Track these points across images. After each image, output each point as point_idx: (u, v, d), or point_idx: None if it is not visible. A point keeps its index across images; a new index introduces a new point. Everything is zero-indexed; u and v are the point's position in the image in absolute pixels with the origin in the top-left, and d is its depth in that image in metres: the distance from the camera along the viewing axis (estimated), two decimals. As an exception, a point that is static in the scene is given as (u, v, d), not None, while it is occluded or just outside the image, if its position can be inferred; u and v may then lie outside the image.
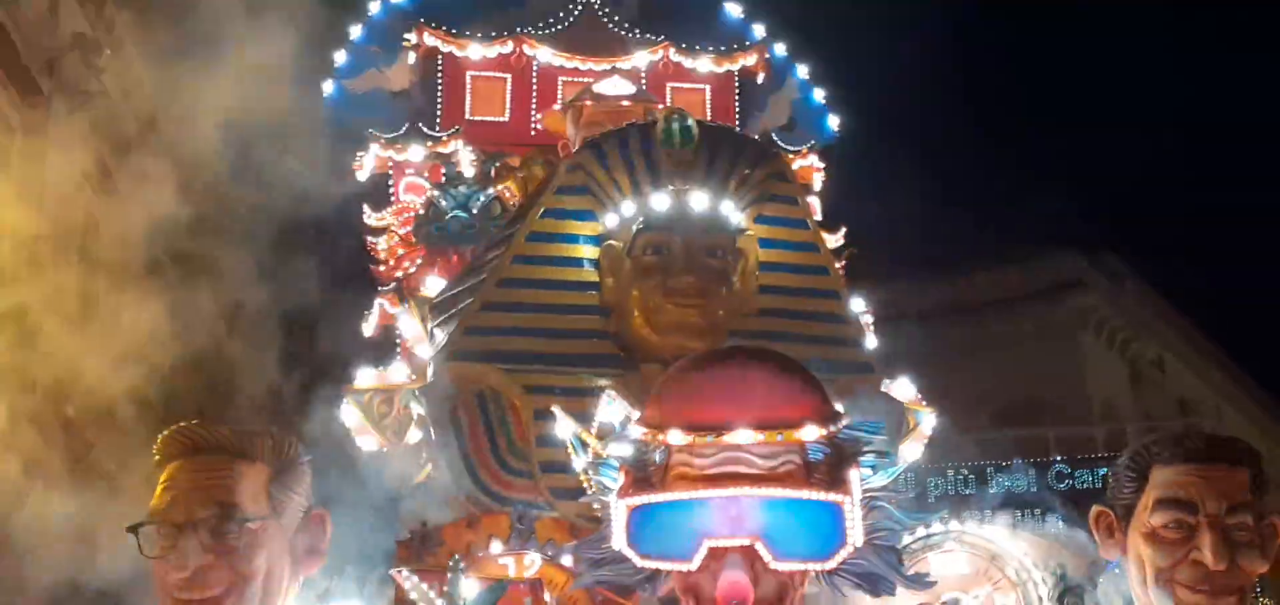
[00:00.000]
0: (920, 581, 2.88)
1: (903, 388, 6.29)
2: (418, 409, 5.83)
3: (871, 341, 6.25)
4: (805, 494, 2.57)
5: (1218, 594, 3.50)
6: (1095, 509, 3.89)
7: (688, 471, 2.59)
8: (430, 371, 5.80)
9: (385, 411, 6.30)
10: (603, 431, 4.60)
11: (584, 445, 4.65)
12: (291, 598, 3.73)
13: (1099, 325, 28.16)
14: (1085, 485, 19.87)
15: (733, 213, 5.78)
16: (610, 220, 5.77)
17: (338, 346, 6.92)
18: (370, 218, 7.90)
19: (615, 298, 5.67)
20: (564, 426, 5.09)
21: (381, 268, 7.65)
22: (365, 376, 6.43)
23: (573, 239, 5.81)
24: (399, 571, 4.36)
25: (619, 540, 2.58)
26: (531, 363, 5.61)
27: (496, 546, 4.90)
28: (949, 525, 4.71)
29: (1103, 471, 19.09)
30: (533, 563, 4.79)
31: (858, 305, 6.33)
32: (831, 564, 2.60)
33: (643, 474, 2.66)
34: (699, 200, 5.72)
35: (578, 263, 5.78)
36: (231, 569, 3.50)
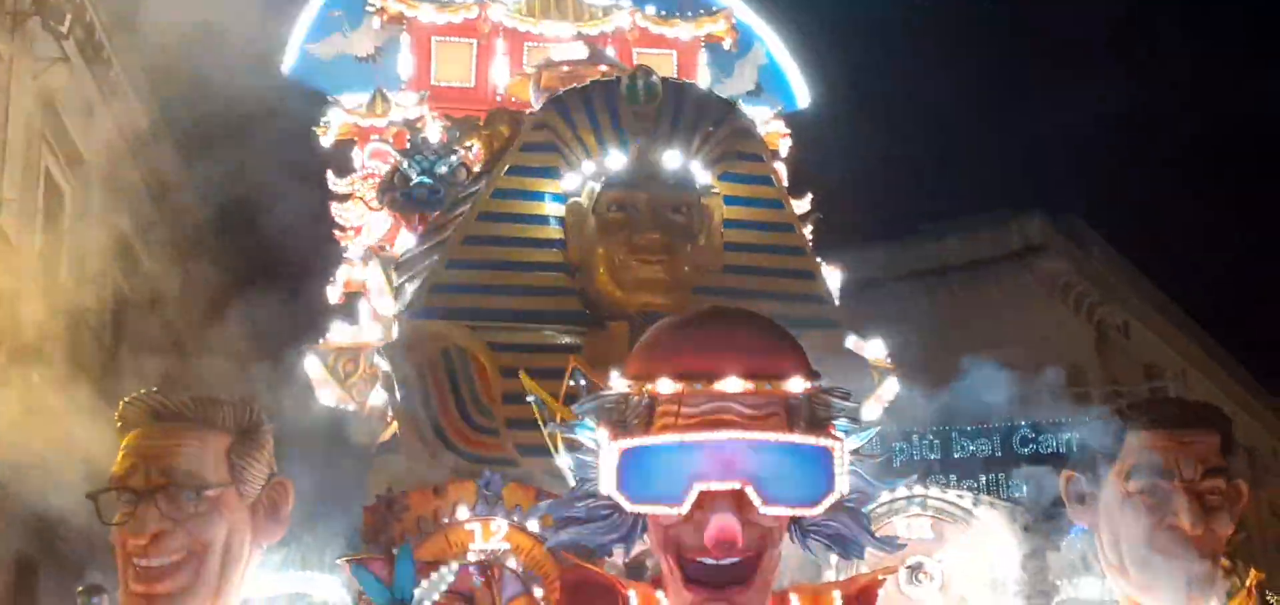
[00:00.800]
0: (890, 545, 2.91)
1: (868, 346, 6.32)
2: (383, 367, 5.84)
3: (836, 299, 6.28)
4: (797, 439, 2.60)
5: (1192, 558, 3.52)
6: (1065, 473, 3.91)
7: (674, 422, 2.60)
8: (395, 329, 5.81)
9: (350, 370, 6.33)
10: (569, 397, 4.62)
11: (549, 410, 4.66)
12: (254, 564, 3.72)
13: (1065, 290, 28.27)
14: (1050, 449, 19.97)
15: (697, 170, 5.79)
16: (575, 177, 5.79)
17: (302, 313, 6.89)
18: (334, 184, 7.86)
19: (580, 255, 5.68)
20: (530, 393, 5.11)
21: (346, 234, 7.62)
22: (330, 335, 6.43)
23: (537, 197, 5.82)
24: (346, 560, 4.34)
25: (608, 484, 2.60)
26: (497, 320, 5.64)
27: (463, 512, 4.89)
28: (913, 489, 4.73)
29: (1067, 435, 19.20)
30: (499, 529, 4.78)
31: (824, 266, 6.35)
32: (819, 510, 2.63)
33: (624, 427, 2.67)
34: (663, 157, 5.73)
35: (543, 220, 5.80)
36: (190, 536, 3.49)
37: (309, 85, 8.24)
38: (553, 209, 5.82)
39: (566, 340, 5.62)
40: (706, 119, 5.92)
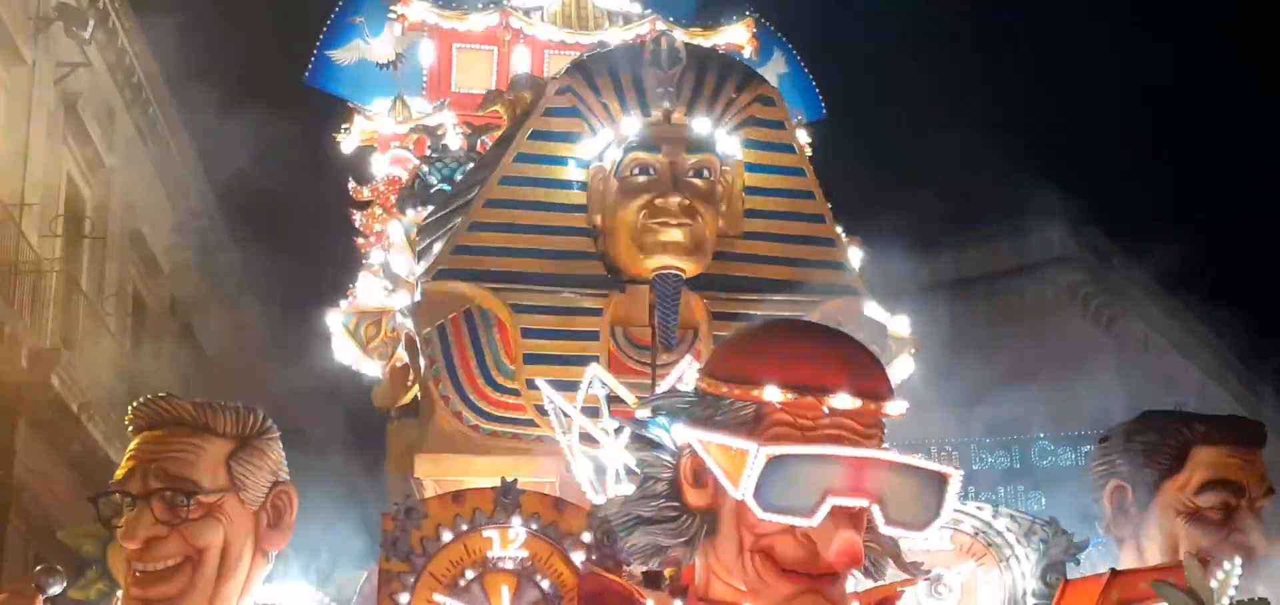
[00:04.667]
0: (916, 569, 2.90)
1: (894, 321, 6.30)
2: (405, 329, 5.86)
3: (856, 263, 6.27)
4: (923, 464, 2.63)
5: (1257, 575, 3.54)
6: (1112, 482, 3.91)
7: (790, 433, 2.60)
8: (417, 291, 5.83)
9: (372, 334, 6.36)
10: (589, 404, 4.59)
11: (567, 418, 4.64)
12: (260, 571, 3.72)
13: (1084, 302, 28.19)
14: (1069, 462, 19.91)
15: (720, 135, 5.80)
16: (598, 141, 5.80)
17: (323, 314, 6.89)
18: (356, 191, 7.88)
19: (603, 218, 5.70)
20: (548, 401, 5.11)
21: (366, 241, 7.64)
22: (351, 300, 6.47)
23: (560, 161, 5.83)
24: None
25: (746, 488, 2.58)
26: (519, 282, 5.67)
27: (482, 519, 4.88)
28: (932, 501, 4.71)
29: (1086, 448, 19.12)
30: (518, 536, 4.77)
31: (846, 239, 6.34)
32: (926, 534, 2.66)
33: (715, 429, 2.66)
34: (686, 121, 5.74)
35: (565, 184, 5.81)
36: (185, 541, 3.50)
37: (329, 91, 8.25)
38: (575, 173, 5.84)
39: (588, 303, 5.66)
40: (729, 84, 5.94)
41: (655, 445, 2.79)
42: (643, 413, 2.86)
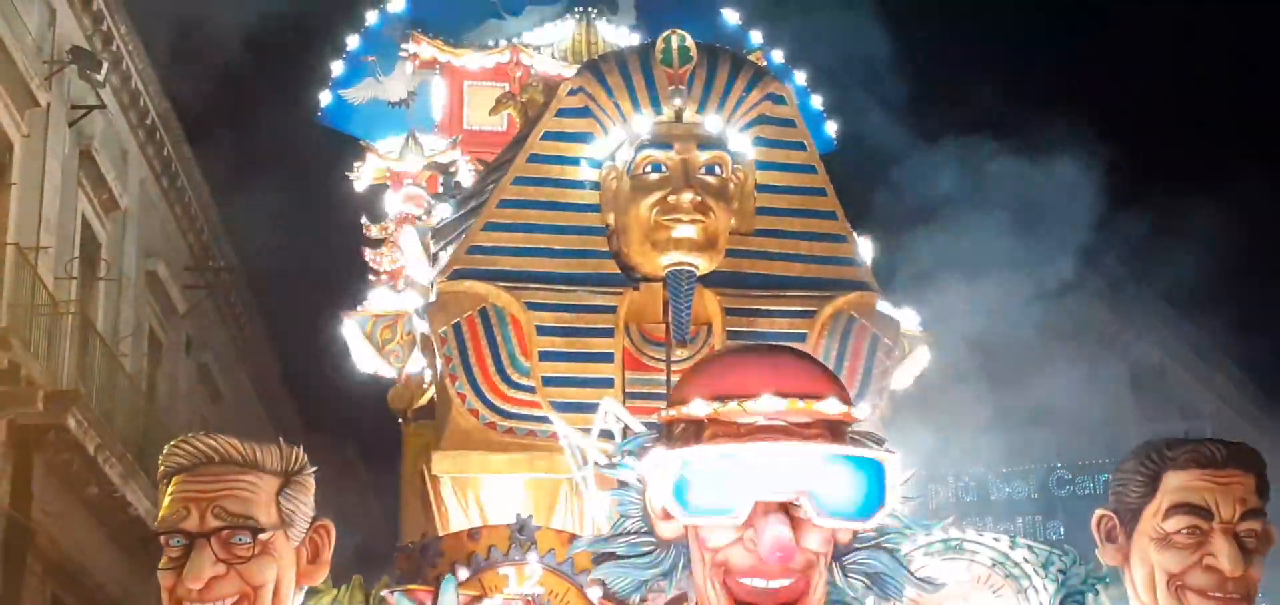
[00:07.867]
0: (929, 583, 2.88)
1: (905, 316, 6.31)
2: (421, 330, 5.89)
3: (868, 258, 6.28)
4: (852, 450, 2.60)
5: (1229, 601, 3.48)
6: (1098, 512, 3.87)
7: (719, 441, 2.59)
8: (433, 292, 5.87)
9: (388, 336, 6.40)
10: (603, 437, 4.60)
11: (581, 453, 4.63)
12: (293, 605, 3.72)
13: (1099, 330, 28.08)
14: (1086, 491, 19.81)
15: (731, 132, 5.84)
16: (610, 140, 5.85)
17: (339, 358, 6.90)
18: (368, 228, 7.91)
19: (616, 216, 5.74)
20: (564, 438, 5.11)
21: (380, 278, 7.66)
22: (368, 303, 6.49)
23: (573, 161, 5.89)
24: (391, 592, 4.35)
25: (665, 494, 2.58)
26: (534, 281, 5.71)
27: (497, 556, 4.89)
28: (950, 532, 4.70)
29: (1104, 477, 19.05)
30: (534, 572, 4.77)
31: (858, 236, 6.35)
32: (871, 524, 2.62)
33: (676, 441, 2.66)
34: (697, 119, 5.78)
35: (578, 184, 5.87)
36: (243, 580, 3.51)
37: (342, 130, 8.30)
38: (588, 173, 5.88)
39: (602, 301, 5.71)
40: (740, 82, 5.99)
41: (625, 483, 2.79)
42: (611, 452, 2.87)
